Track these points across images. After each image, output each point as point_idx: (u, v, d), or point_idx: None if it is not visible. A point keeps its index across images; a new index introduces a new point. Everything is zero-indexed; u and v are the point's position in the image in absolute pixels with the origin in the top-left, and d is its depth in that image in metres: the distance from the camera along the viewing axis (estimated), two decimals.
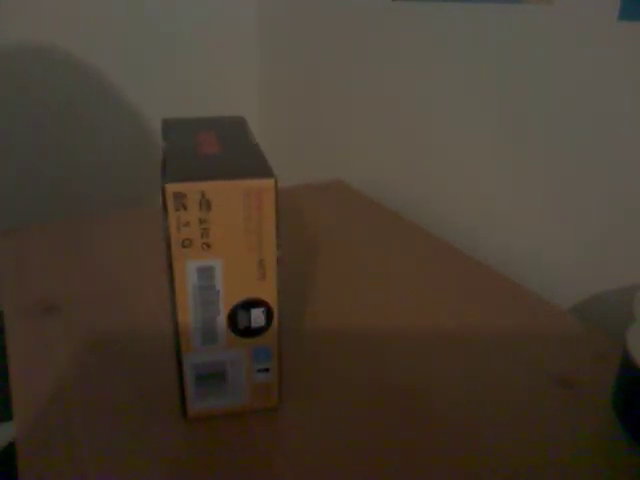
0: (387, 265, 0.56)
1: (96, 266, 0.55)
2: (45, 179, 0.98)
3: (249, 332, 0.34)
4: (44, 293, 0.50)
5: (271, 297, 0.34)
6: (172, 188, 0.30)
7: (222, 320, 0.33)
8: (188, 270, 0.32)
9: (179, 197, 0.30)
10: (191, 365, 0.34)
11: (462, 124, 0.63)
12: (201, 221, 0.31)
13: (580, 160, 0.51)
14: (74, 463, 0.33)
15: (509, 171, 0.58)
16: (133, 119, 1.01)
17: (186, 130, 0.39)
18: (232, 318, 0.34)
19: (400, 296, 0.51)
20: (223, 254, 0.32)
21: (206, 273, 0.32)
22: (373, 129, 0.79)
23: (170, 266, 0.32)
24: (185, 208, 0.31)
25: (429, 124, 0.68)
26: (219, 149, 0.35)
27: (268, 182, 0.32)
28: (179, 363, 0.34)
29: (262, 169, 0.32)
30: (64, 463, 0.33)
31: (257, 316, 0.34)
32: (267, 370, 0.35)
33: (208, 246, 0.32)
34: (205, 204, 0.31)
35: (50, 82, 0.94)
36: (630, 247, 0.48)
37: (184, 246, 0.31)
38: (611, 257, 0.50)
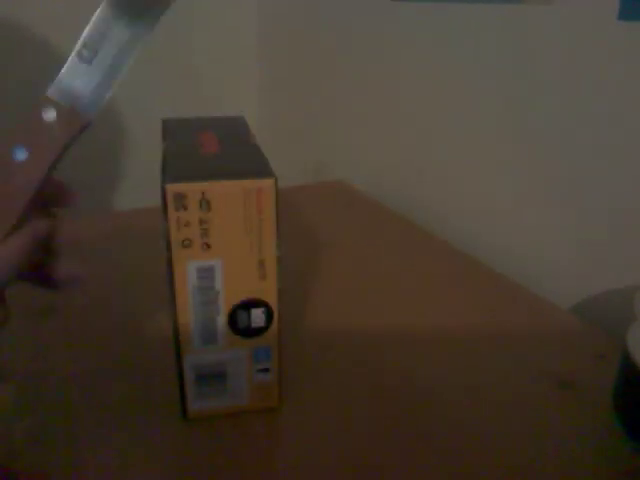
0: (387, 265, 0.56)
1: (95, 266, 0.55)
2: None
3: (249, 332, 0.34)
4: (43, 293, 0.50)
5: (271, 297, 0.34)
6: (172, 188, 0.30)
7: (222, 320, 0.33)
8: (188, 270, 0.32)
9: (179, 197, 0.30)
10: (191, 365, 0.34)
11: (462, 124, 0.63)
12: (201, 221, 0.31)
13: (580, 160, 0.51)
14: (74, 463, 0.33)
15: (509, 171, 0.58)
16: (133, 119, 1.01)
17: (186, 130, 0.39)
18: (232, 318, 0.34)
19: (400, 296, 0.51)
20: (223, 254, 0.32)
21: (206, 273, 0.32)
22: (373, 129, 0.79)
23: (170, 266, 0.32)
24: (185, 208, 0.31)
25: (429, 124, 0.68)
26: (219, 149, 0.35)
27: (268, 182, 0.32)
28: (179, 363, 0.34)
29: (262, 169, 0.33)
30: (64, 463, 0.33)
31: (257, 316, 0.34)
32: (267, 370, 0.35)
33: (208, 246, 0.32)
34: (205, 204, 0.31)
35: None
36: (630, 247, 0.48)
37: (184, 246, 0.31)
38: (611, 257, 0.50)
